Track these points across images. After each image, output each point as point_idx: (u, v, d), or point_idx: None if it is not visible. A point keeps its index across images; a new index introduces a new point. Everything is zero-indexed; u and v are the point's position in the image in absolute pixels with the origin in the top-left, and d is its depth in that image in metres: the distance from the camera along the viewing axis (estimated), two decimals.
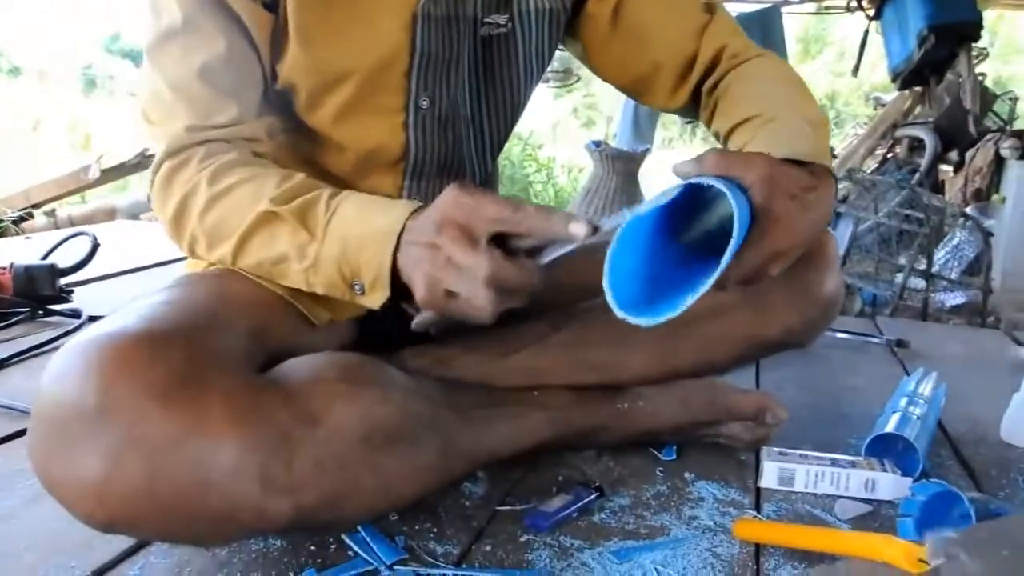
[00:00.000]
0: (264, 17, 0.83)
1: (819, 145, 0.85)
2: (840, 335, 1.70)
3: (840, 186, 2.99)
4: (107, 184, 3.46)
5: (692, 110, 1.06)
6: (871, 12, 3.80)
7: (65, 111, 7.80)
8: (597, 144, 3.54)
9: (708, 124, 1.02)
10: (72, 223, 2.97)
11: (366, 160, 0.93)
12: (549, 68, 1.21)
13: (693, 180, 0.70)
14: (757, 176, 0.73)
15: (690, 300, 0.68)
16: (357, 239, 0.75)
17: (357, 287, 0.77)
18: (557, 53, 1.08)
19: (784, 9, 4.58)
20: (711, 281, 0.68)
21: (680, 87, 1.03)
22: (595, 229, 0.69)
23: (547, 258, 0.77)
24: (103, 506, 0.63)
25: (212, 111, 0.83)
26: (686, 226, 0.77)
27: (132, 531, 0.67)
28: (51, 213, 3.05)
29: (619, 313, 0.69)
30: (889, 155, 4.78)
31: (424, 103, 0.91)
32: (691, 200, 0.72)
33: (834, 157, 5.20)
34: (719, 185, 0.68)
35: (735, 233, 0.66)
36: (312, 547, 0.78)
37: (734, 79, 0.99)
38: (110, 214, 3.13)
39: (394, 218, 0.75)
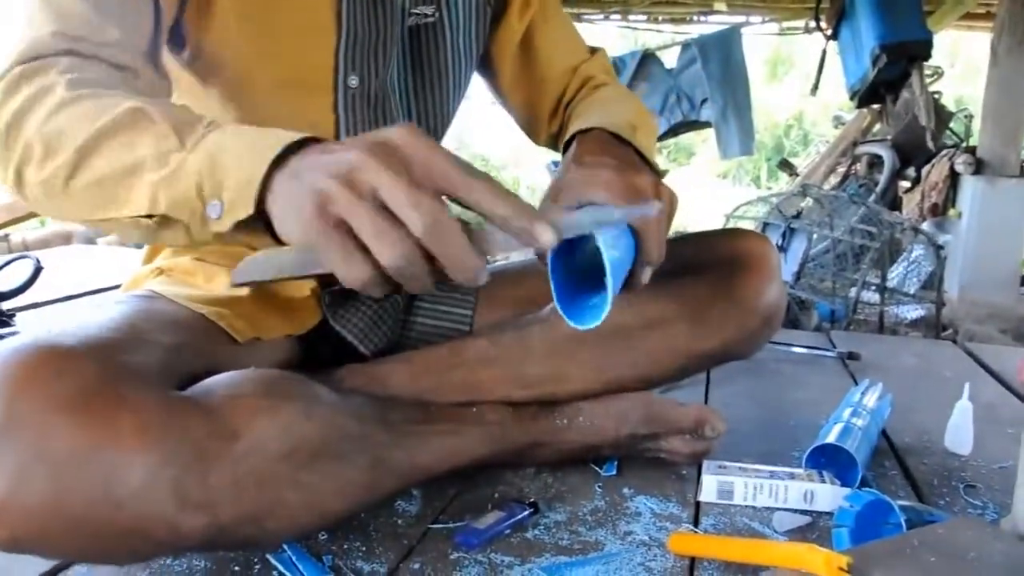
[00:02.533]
0: None
1: (636, 127, 0.93)
2: (793, 349, 1.70)
3: (801, 203, 3.03)
4: None
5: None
6: (828, 32, 3.85)
7: None
8: (556, 164, 3.55)
9: (560, 143, 1.05)
10: (27, 248, 2.92)
11: None
12: None
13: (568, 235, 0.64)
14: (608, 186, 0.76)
15: (604, 312, 0.69)
16: (233, 151, 0.62)
17: (212, 209, 0.63)
18: None
19: (744, 30, 4.63)
20: (611, 297, 0.69)
21: (554, 119, 1.12)
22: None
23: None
24: (6, 523, 0.60)
25: (89, 29, 0.74)
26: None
27: (38, 550, 0.64)
28: (4, 238, 3.01)
29: (570, 324, 0.71)
30: (851, 172, 4.86)
31: (353, 82, 0.91)
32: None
33: (796, 174, 5.27)
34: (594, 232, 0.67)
35: (607, 262, 0.68)
36: (236, 567, 0.76)
37: (583, 98, 1.08)
38: (66, 238, 3.09)
39: (284, 136, 0.61)
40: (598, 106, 1.01)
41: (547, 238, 0.58)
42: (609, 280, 0.67)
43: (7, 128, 0.71)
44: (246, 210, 0.61)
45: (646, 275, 0.77)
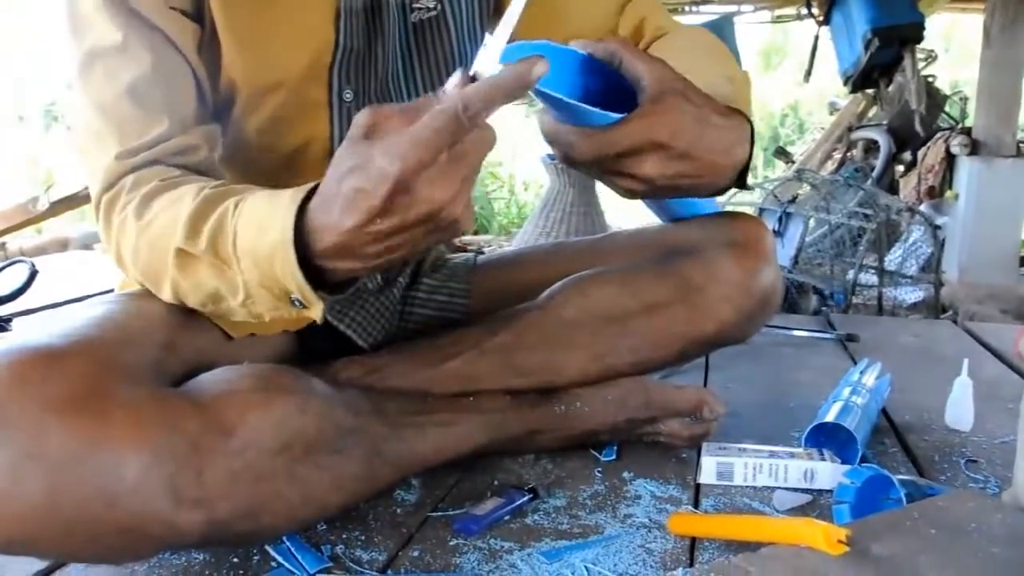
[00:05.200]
0: (189, 27, 0.81)
1: (737, 94, 0.83)
2: (792, 332, 1.70)
3: (798, 189, 3.02)
4: (63, 215, 3.42)
5: None
6: (820, 18, 3.85)
7: (27, 148, 7.71)
8: (552, 156, 3.54)
9: None
10: (23, 255, 2.92)
11: (295, 155, 0.91)
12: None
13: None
14: (657, 69, 0.74)
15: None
16: (265, 258, 0.67)
17: (296, 303, 0.69)
18: None
19: (737, 19, 4.62)
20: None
21: None
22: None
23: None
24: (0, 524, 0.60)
25: (142, 130, 0.79)
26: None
27: (33, 550, 0.64)
28: (1, 246, 3.01)
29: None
30: (848, 157, 4.85)
31: (348, 96, 0.90)
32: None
33: (792, 162, 5.26)
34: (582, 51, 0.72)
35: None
36: (235, 559, 0.76)
37: (656, 47, 0.97)
38: (63, 245, 3.09)
39: (281, 221, 0.65)
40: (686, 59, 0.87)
41: (539, 69, 0.60)
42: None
43: (118, 260, 0.80)
44: (319, 304, 0.68)
45: None
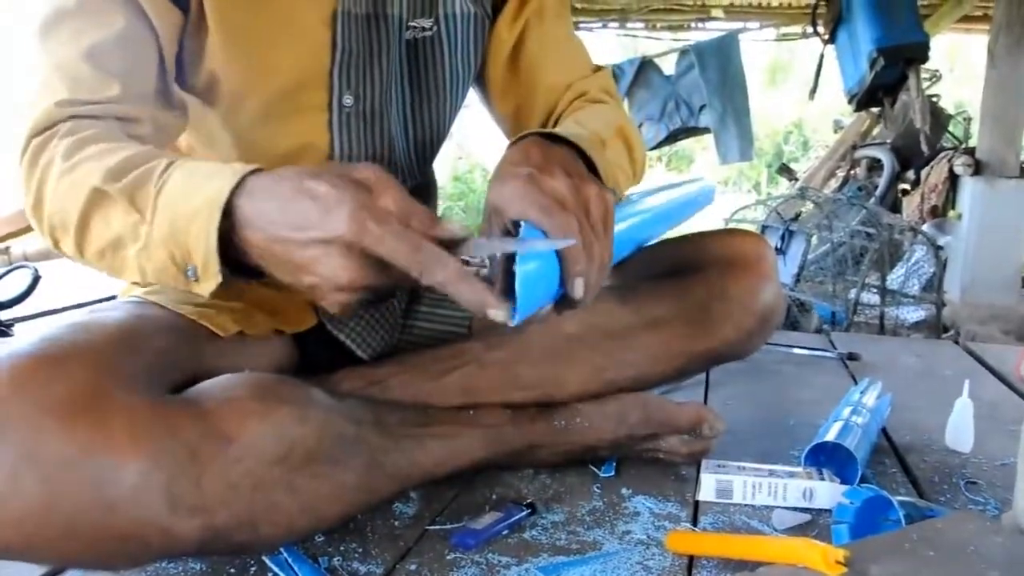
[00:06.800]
0: (170, 10, 0.81)
1: (590, 138, 0.83)
2: (793, 351, 1.70)
3: (800, 207, 3.02)
4: None
5: None
6: (825, 37, 3.85)
7: None
8: None
9: None
10: (27, 259, 2.92)
11: (293, 159, 0.91)
12: None
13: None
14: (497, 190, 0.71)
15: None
16: (185, 216, 0.66)
17: (190, 273, 0.68)
18: None
19: (742, 36, 4.64)
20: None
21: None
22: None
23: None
24: None
25: (94, 89, 0.78)
26: None
27: (29, 555, 0.64)
28: (4, 251, 3.00)
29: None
30: (851, 175, 4.85)
31: (348, 101, 0.90)
32: None
33: (796, 180, 5.26)
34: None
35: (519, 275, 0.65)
36: (232, 569, 0.76)
37: (571, 112, 1.00)
38: None
39: (220, 184, 0.65)
40: (575, 118, 0.95)
41: (500, 316, 0.64)
42: (519, 290, 0.65)
43: (35, 204, 0.77)
44: (215, 279, 0.67)
45: (579, 290, 0.69)
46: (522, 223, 0.68)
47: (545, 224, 0.67)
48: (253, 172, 0.67)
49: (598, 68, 1.09)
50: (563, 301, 0.72)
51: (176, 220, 0.67)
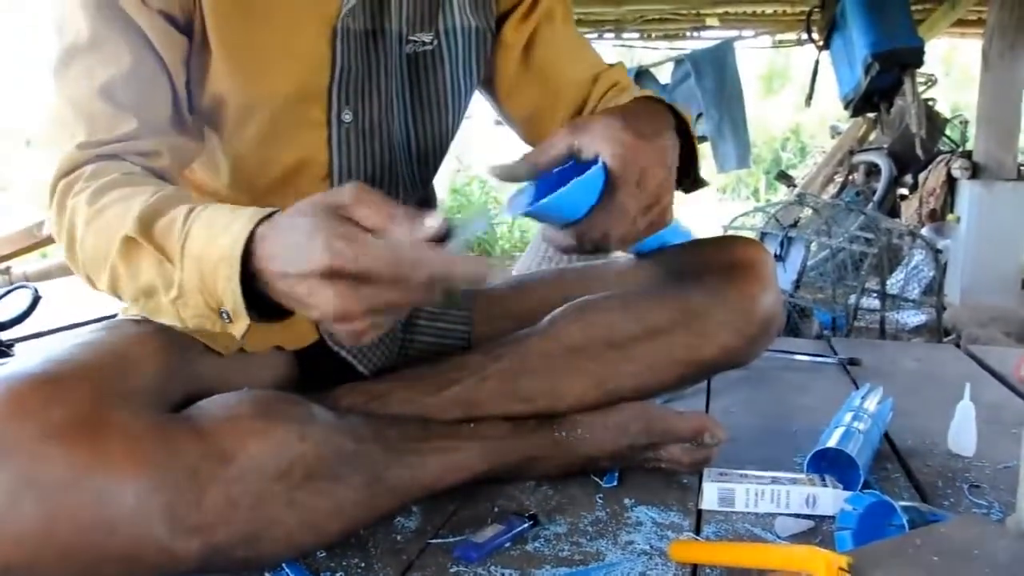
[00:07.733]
0: (175, 39, 0.81)
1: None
2: (794, 357, 1.70)
3: (799, 213, 3.03)
4: None
5: None
6: (820, 43, 3.86)
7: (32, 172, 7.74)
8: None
9: None
10: (28, 280, 2.92)
11: (292, 176, 0.91)
12: None
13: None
14: (602, 133, 0.76)
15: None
16: (210, 263, 0.67)
17: (224, 316, 0.69)
18: None
19: (737, 44, 4.65)
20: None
21: None
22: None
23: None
24: None
25: (111, 127, 0.79)
26: None
27: (30, 575, 0.64)
28: (5, 271, 3.01)
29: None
30: (849, 180, 4.86)
31: (347, 117, 0.90)
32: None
33: (794, 186, 5.27)
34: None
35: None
36: None
37: (614, 97, 1.02)
38: (67, 270, 3.08)
39: (235, 233, 0.65)
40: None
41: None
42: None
43: (68, 248, 0.77)
44: (245, 321, 0.67)
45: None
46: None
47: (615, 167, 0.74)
48: (267, 217, 0.66)
49: (611, 65, 1.09)
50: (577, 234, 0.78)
51: (203, 271, 0.67)
